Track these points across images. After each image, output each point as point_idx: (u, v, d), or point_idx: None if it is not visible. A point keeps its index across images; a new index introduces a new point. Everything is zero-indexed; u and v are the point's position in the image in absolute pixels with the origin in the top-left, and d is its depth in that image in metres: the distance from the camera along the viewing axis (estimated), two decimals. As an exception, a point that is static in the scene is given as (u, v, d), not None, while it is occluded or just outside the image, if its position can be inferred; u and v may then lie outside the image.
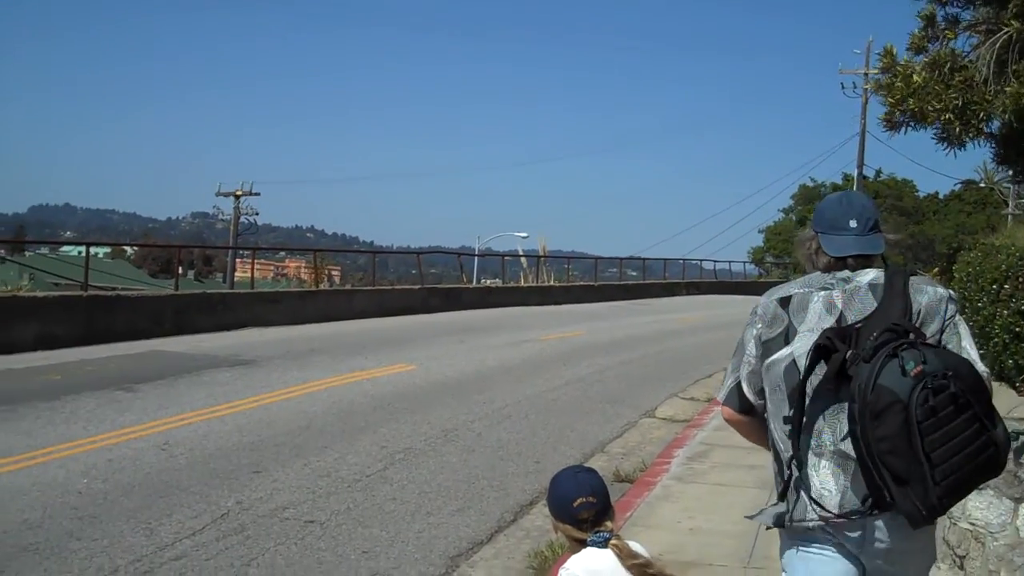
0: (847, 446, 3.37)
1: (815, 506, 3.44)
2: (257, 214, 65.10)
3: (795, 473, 3.51)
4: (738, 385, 3.76)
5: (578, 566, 3.65)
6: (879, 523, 3.39)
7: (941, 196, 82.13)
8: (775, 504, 3.66)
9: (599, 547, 3.67)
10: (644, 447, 11.60)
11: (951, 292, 3.64)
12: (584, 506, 3.72)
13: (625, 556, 3.64)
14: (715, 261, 64.62)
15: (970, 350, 3.50)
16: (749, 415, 3.79)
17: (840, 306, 3.54)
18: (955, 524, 6.32)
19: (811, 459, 3.49)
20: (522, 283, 42.53)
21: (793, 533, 3.58)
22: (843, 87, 55.98)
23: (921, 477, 3.17)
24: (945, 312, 3.54)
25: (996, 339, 6.52)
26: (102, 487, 8.82)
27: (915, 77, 9.62)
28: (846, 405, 3.35)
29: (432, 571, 7.25)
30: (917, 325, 3.45)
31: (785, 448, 3.56)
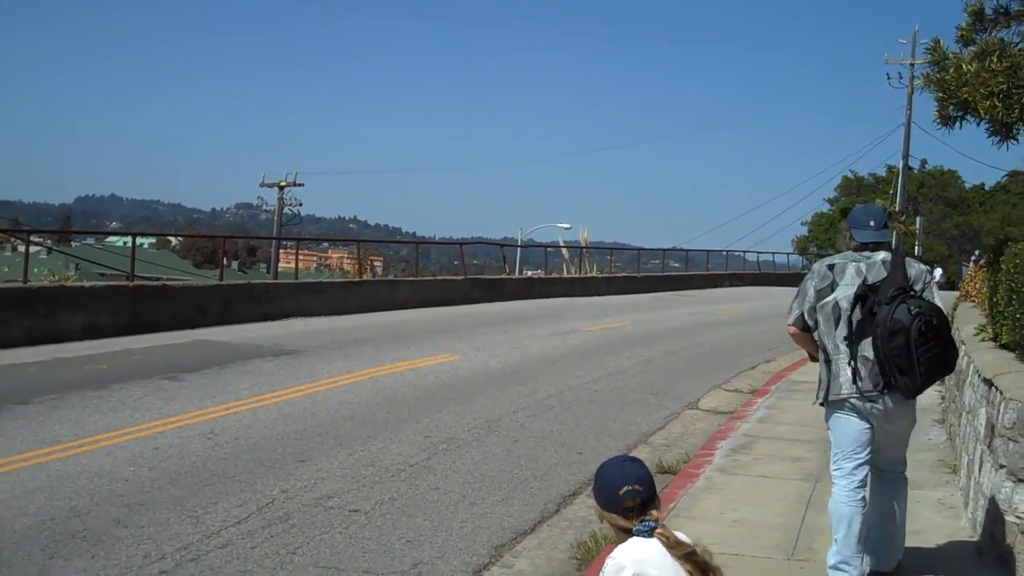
0: (869, 352, 6.03)
1: (847, 387, 6.11)
2: (301, 205, 65.50)
3: (838, 367, 6.16)
4: (802, 314, 6.38)
5: (625, 556, 3.65)
6: (885, 397, 6.04)
7: (987, 187, 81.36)
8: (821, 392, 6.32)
9: (645, 536, 3.67)
10: (687, 438, 11.57)
11: (928, 267, 6.44)
12: (630, 494, 3.73)
13: (672, 545, 3.64)
14: (758, 253, 64.05)
15: (939, 302, 6.13)
16: (806, 332, 6.40)
17: (864, 272, 6.19)
18: (1002, 516, 6.27)
19: (847, 360, 6.13)
20: (564, 274, 42.47)
21: (834, 404, 6.25)
22: (888, 77, 55.74)
23: (913, 370, 5.87)
24: (925, 279, 6.22)
25: (1044, 331, 6.45)
26: (149, 475, 8.90)
27: (964, 67, 9.52)
28: (866, 332, 6.03)
29: (476, 560, 7.27)
30: (911, 284, 6.10)
31: (833, 352, 6.20)
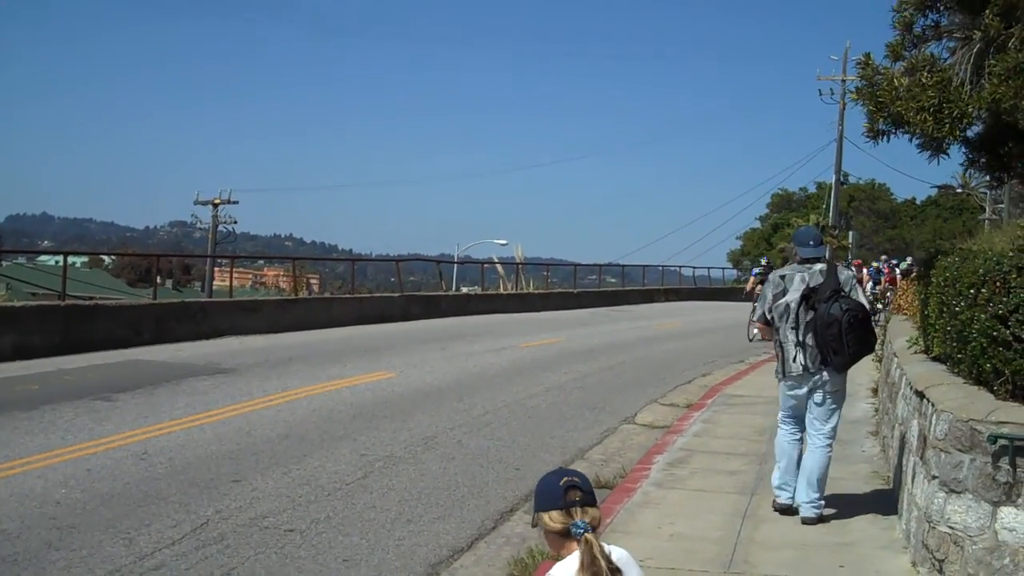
0: (810, 340, 8.13)
1: (796, 366, 8.22)
2: (235, 222, 64.88)
3: (788, 351, 8.26)
4: (763, 312, 8.51)
5: (562, 574, 3.59)
6: (823, 372, 8.15)
7: (918, 202, 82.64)
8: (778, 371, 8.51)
9: (579, 535, 3.60)
10: (624, 453, 11.59)
11: (853, 272, 8.95)
12: (569, 484, 3.69)
13: (586, 563, 3.55)
14: (694, 267, 64.34)
15: (862, 298, 8.32)
16: (768, 325, 8.49)
17: (807, 279, 8.26)
18: (934, 528, 6.34)
19: (795, 346, 8.23)
20: (501, 290, 42.42)
21: (785, 378, 8.36)
22: (820, 93, 56.48)
23: (843, 351, 7.98)
24: (851, 282, 8.33)
25: (974, 343, 6.51)
26: (81, 497, 8.78)
27: (896, 81, 9.64)
28: (809, 324, 8.15)
29: (413, 579, 7.24)
30: (841, 287, 8.13)
31: (784, 340, 8.29)
